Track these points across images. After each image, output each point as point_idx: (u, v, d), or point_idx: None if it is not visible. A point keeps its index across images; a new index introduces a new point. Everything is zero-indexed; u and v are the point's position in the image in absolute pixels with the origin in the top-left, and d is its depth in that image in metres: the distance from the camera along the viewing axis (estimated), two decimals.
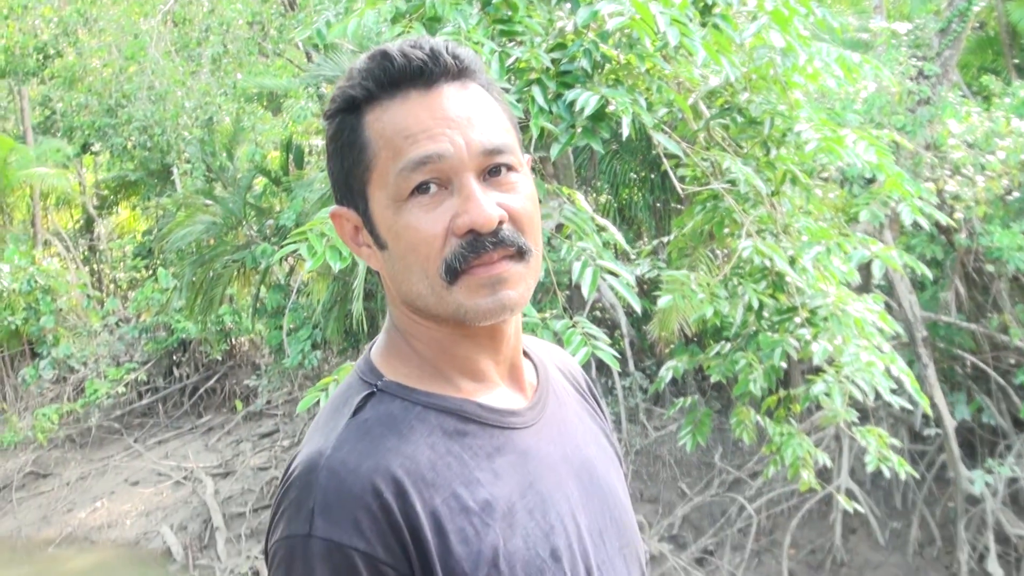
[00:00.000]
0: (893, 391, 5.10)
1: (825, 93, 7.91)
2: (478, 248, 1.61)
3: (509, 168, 1.67)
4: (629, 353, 11.38)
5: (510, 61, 4.29)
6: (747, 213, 4.99)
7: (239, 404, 16.59)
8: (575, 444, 1.83)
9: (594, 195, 13.54)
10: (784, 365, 5.33)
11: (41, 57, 17.89)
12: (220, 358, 17.10)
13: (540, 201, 4.20)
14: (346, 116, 1.70)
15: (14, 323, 17.27)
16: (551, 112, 4.19)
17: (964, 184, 8.77)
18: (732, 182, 4.88)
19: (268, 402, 16.23)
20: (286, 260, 13.56)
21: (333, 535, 1.51)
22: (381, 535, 1.52)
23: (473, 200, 1.60)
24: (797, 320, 5.12)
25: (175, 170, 17.60)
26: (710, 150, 5.13)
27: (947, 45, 10.14)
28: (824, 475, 9.74)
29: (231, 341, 16.89)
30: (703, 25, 4.43)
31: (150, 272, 18.48)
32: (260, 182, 16.00)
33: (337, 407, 1.71)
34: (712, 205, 5.16)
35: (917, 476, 9.66)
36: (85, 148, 20.11)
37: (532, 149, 4.52)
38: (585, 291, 4.20)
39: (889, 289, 8.91)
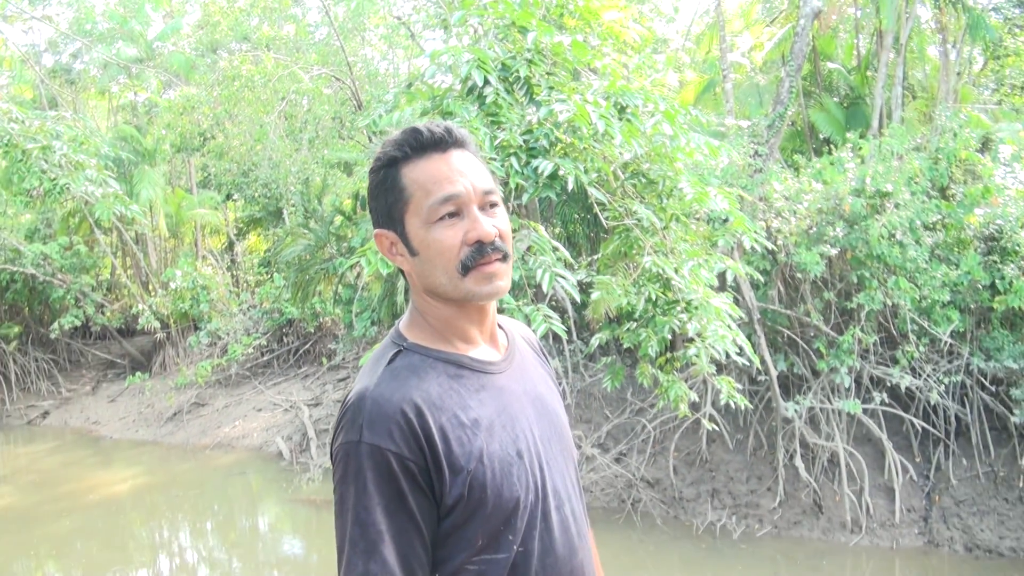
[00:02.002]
0: (738, 353, 5.11)
1: (697, 165, 7.91)
2: (482, 253, 1.71)
3: (495, 204, 1.78)
4: (574, 328, 11.31)
5: (497, 141, 4.28)
6: (648, 240, 4.98)
7: (324, 360, 16.53)
8: (532, 384, 1.89)
9: (551, 228, 13.54)
10: (670, 337, 5.31)
11: (201, 139, 17.86)
12: (312, 331, 17.04)
13: (515, 231, 4.15)
14: (388, 169, 1.76)
15: (184, 307, 17.26)
16: (523, 174, 4.17)
17: (783, 223, 8.84)
18: (638, 220, 4.86)
19: (343, 359, 16.17)
20: (354, 268, 13.54)
21: (375, 440, 1.60)
22: (406, 441, 1.61)
23: (479, 222, 1.71)
24: (679, 308, 5.12)
25: (285, 211, 17.55)
26: (625, 199, 5.12)
27: (772, 135, 10.18)
28: (696, 406, 9.77)
29: (320, 320, 16.80)
30: (620, 119, 4.42)
31: (269, 276, 18.41)
32: (339, 219, 16.01)
33: (377, 359, 1.78)
34: (626, 235, 5.15)
35: (752, 406, 9.77)
36: (228, 197, 20.11)
37: (511, 198, 4.52)
38: (544, 288, 4.22)
39: (737, 288, 8.92)
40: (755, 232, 5.22)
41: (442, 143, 1.75)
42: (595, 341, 6.15)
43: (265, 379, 16.83)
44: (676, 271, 4.90)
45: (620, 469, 10.36)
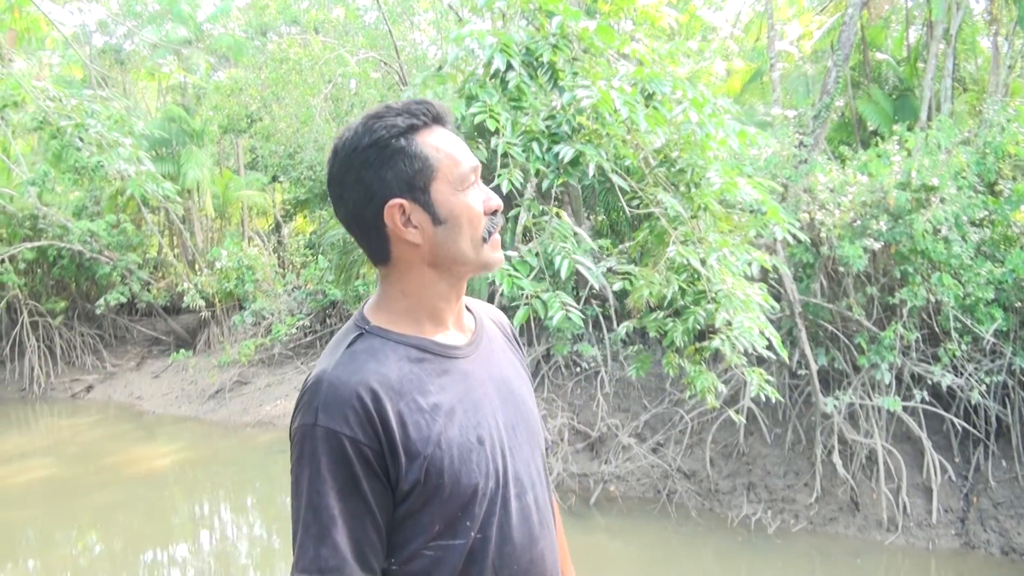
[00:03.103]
0: (766, 347, 5.03)
1: (740, 154, 7.80)
2: (496, 221, 1.77)
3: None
4: (614, 317, 11.24)
5: (520, 127, 4.23)
6: (675, 229, 4.90)
7: None
8: (499, 369, 1.88)
9: (594, 216, 13.48)
10: (700, 327, 5.23)
11: (249, 121, 17.95)
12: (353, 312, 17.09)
13: (538, 216, 4.07)
14: (409, 136, 1.71)
15: (229, 287, 17.39)
16: (544, 159, 4.11)
17: (827, 215, 8.68)
18: (664, 208, 4.78)
19: None
20: None
21: (330, 424, 1.59)
22: (362, 425, 1.59)
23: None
24: (706, 299, 5.04)
25: None
26: (656, 188, 5.04)
27: (818, 126, 10.00)
28: (735, 398, 9.67)
29: (361, 302, 16.81)
30: (647, 106, 4.34)
31: (314, 257, 18.47)
32: None
33: (338, 342, 1.76)
34: (653, 223, 5.08)
35: (791, 401, 9.68)
36: (274, 179, 20.19)
37: (541, 185, 4.48)
38: (562, 274, 4.16)
39: (779, 281, 8.79)
40: (789, 223, 5.10)
41: (446, 117, 1.77)
42: (621, 330, 6.09)
43: (307, 359, 16.88)
44: (703, 261, 4.81)
45: (656, 459, 10.29)
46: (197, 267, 18.90)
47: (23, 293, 17.78)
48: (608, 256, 6.17)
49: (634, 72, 4.37)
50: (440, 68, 5.01)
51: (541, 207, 4.56)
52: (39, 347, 18.14)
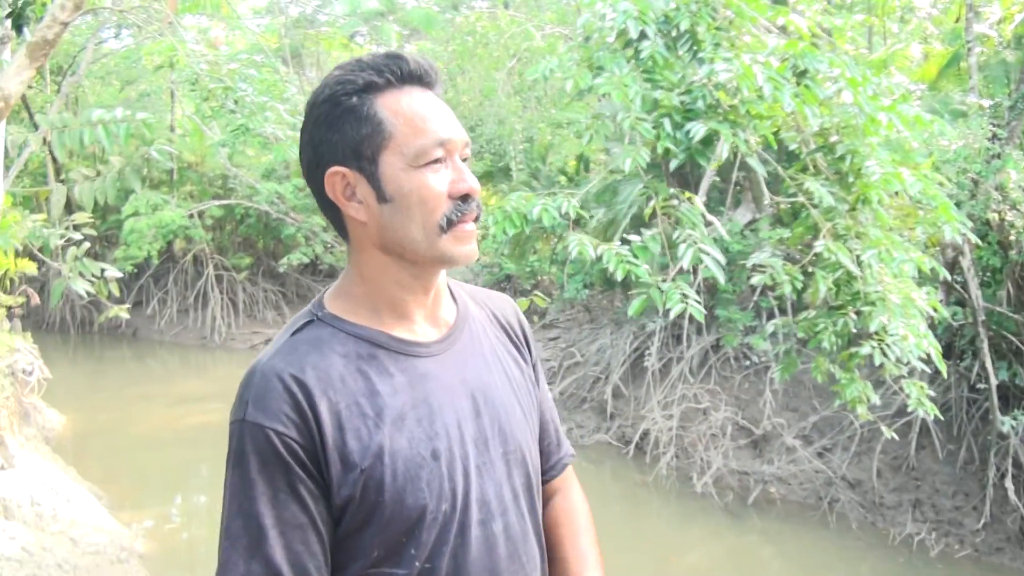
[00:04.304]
0: (922, 359, 4.52)
1: (928, 142, 7.20)
2: (467, 208, 1.48)
3: (467, 159, 1.53)
4: (789, 311, 10.67)
5: (654, 103, 3.89)
6: (828, 222, 4.45)
7: (536, 319, 16.47)
8: (477, 371, 1.59)
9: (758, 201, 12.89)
10: (853, 331, 4.77)
11: None
12: (529, 288, 16.97)
13: (668, 200, 3.71)
14: (363, 95, 1.47)
15: None
16: (674, 137, 3.75)
17: (1018, 216, 7.90)
18: (811, 198, 4.34)
19: (556, 319, 16.04)
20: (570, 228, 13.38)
21: (258, 419, 1.39)
22: (293, 421, 1.39)
23: (468, 173, 1.49)
24: (861, 300, 4.57)
25: (513, 168, 17.59)
26: (808, 175, 4.60)
27: (1014, 117, 9.10)
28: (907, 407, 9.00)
29: (537, 278, 16.74)
30: (798, 84, 3.91)
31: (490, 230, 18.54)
32: (561, 179, 15.87)
33: (287, 328, 1.56)
34: (805, 214, 4.64)
35: (962, 415, 8.93)
36: None
37: (669, 165, 4.12)
38: (685, 264, 3.80)
39: (965, 285, 8.11)
40: (960, 222, 4.56)
41: (426, 77, 1.51)
42: (769, 328, 5.66)
43: None
44: (858, 259, 4.34)
45: (821, 464, 9.70)
46: None
47: (210, 248, 18.54)
48: (762, 247, 5.73)
49: (785, 46, 3.94)
50: (588, 38, 4.69)
51: (671, 191, 4.19)
52: (222, 299, 18.83)
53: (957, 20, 13.37)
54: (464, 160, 1.51)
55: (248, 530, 1.38)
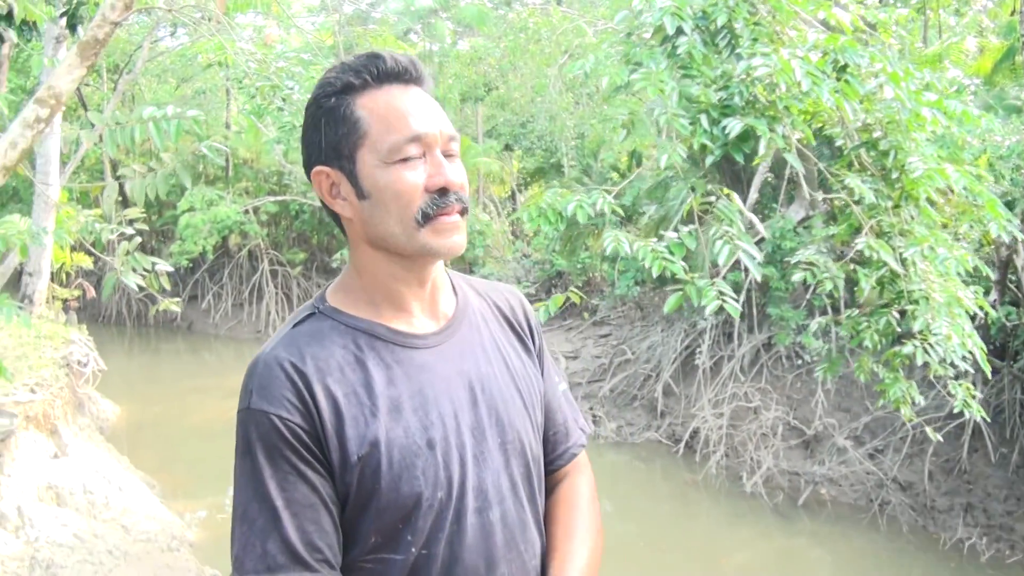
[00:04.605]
0: (965, 359, 4.41)
1: (982, 138, 7.06)
2: (446, 201, 1.51)
3: (453, 155, 1.56)
4: (843, 308, 10.50)
5: (691, 99, 3.86)
6: (872, 219, 4.38)
7: (586, 315, 16.41)
8: (475, 362, 1.63)
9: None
10: (897, 330, 4.68)
11: (486, 89, 18.13)
12: (580, 284, 16.93)
13: (707, 196, 3.68)
14: (341, 97, 1.53)
15: None
16: (711, 134, 3.72)
17: None
18: (852, 194, 4.27)
19: (607, 315, 15.99)
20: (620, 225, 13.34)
21: (262, 406, 1.45)
22: (295, 407, 1.44)
23: (446, 167, 1.51)
24: (905, 299, 4.48)
25: (564, 164, 17.57)
26: (863, 172, 4.53)
27: None
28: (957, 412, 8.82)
29: (588, 275, 16.70)
30: (838, 79, 3.85)
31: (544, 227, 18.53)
32: (613, 176, 15.83)
33: (289, 321, 1.62)
34: (848, 211, 4.57)
35: (1016, 418, 8.71)
36: (507, 147, 20.39)
37: (706, 161, 4.09)
38: (721, 261, 3.75)
39: (1020, 284, 7.96)
40: (1007, 219, 4.45)
41: (405, 75, 1.55)
42: (813, 326, 5.58)
43: None
44: (901, 257, 4.26)
45: (872, 466, 9.57)
46: None
47: (265, 243, 18.78)
48: (808, 244, 5.65)
49: (825, 40, 3.88)
50: (630, 35, 4.66)
51: (708, 186, 4.15)
52: (277, 294, 19.09)
53: (1013, 13, 13.07)
54: (449, 155, 1.54)
55: (262, 513, 1.43)
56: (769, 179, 11.21)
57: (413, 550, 1.49)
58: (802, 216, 10.85)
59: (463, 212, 1.54)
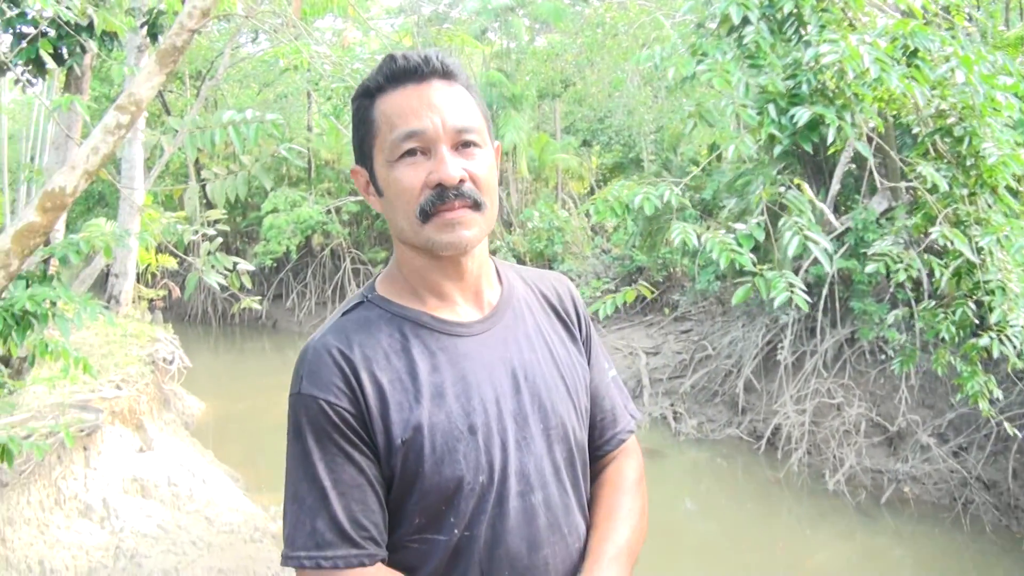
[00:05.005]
0: None
1: None
2: (443, 198, 1.54)
3: (475, 144, 1.58)
4: (927, 300, 10.24)
5: (758, 89, 3.81)
6: (945, 207, 4.28)
7: (667, 311, 16.30)
8: (518, 349, 1.67)
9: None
10: (975, 321, 4.56)
11: (563, 85, 18.11)
12: (660, 280, 16.83)
13: (777, 186, 3.65)
14: (363, 100, 1.62)
15: (539, 247, 17.71)
16: (779, 123, 3.67)
17: None
18: (925, 182, 4.17)
19: (688, 311, 15.87)
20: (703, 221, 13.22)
21: (312, 391, 1.51)
22: (343, 392, 1.50)
23: (443, 162, 1.53)
24: (982, 290, 4.37)
25: (644, 158, 17.45)
26: (939, 160, 4.44)
27: None
28: None
29: (669, 270, 16.59)
30: (909, 65, 3.77)
31: (624, 222, 18.44)
32: (693, 169, 15.70)
33: (340, 309, 1.68)
34: (923, 200, 4.48)
35: None
36: (585, 143, 20.33)
37: (771, 152, 4.03)
38: (790, 252, 3.70)
39: None
40: None
41: (417, 72, 1.58)
42: (890, 319, 5.46)
43: (609, 323, 16.86)
44: (977, 247, 4.15)
45: (955, 464, 9.32)
46: (512, 227, 19.38)
47: (347, 242, 19.02)
48: (887, 235, 5.54)
49: (894, 25, 3.80)
50: (701, 25, 4.63)
51: (778, 176, 4.10)
52: None
53: None
54: (468, 146, 1.57)
55: (311, 493, 1.50)
56: (852, 170, 10.98)
57: (456, 531, 1.54)
58: (885, 207, 10.60)
59: (475, 206, 1.56)
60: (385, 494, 1.54)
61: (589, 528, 1.73)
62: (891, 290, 9.95)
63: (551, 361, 1.71)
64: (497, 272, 1.77)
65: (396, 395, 1.53)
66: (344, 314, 1.64)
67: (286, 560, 1.51)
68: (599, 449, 1.82)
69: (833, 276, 10.56)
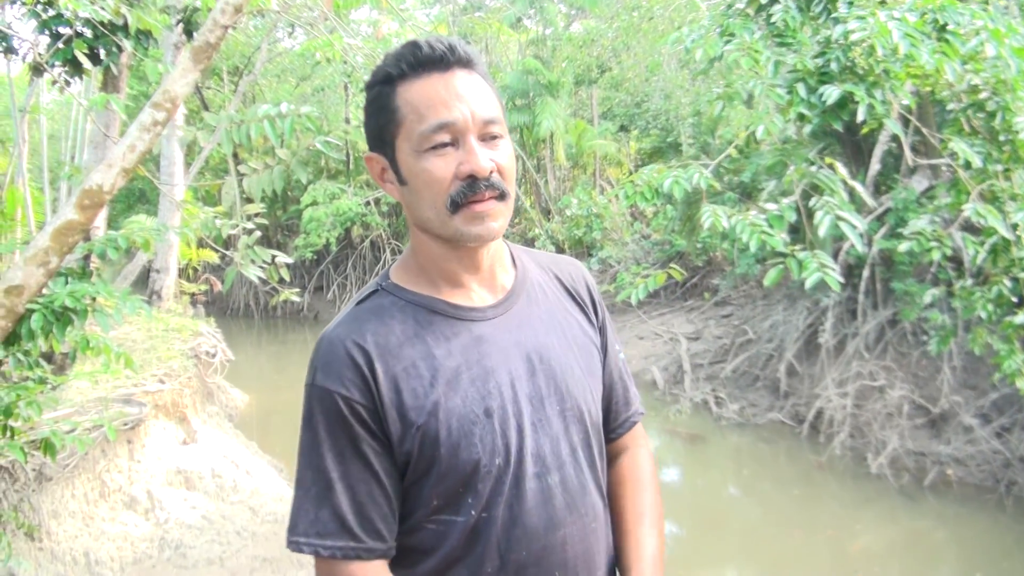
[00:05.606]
0: None
1: None
2: (475, 189, 1.53)
3: (497, 136, 1.57)
4: (970, 280, 10.08)
5: (788, 68, 3.79)
6: (979, 183, 4.23)
7: (707, 295, 16.22)
8: (533, 333, 1.68)
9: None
10: (1013, 298, 4.51)
11: (600, 71, 18.01)
12: (700, 264, 16.74)
13: (808, 166, 3.64)
14: (383, 87, 1.58)
15: (577, 234, 17.66)
16: (808, 102, 3.65)
17: None
18: (958, 159, 4.13)
19: (728, 295, 15.78)
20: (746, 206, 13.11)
21: (325, 383, 1.54)
22: (355, 384, 1.53)
23: (474, 154, 1.52)
24: (1018, 267, 4.32)
25: (682, 142, 17.35)
26: (974, 136, 4.38)
27: None
28: None
29: (709, 255, 16.50)
30: (939, 40, 3.73)
31: (663, 207, 18.34)
32: (732, 152, 15.58)
33: (355, 298, 1.70)
34: (957, 177, 4.43)
35: None
36: (622, 128, 20.21)
37: (803, 131, 4.00)
38: (822, 232, 3.67)
39: None
40: None
41: (443, 61, 1.56)
42: (927, 298, 5.41)
43: (650, 309, 16.81)
44: (1013, 223, 4.10)
45: (999, 445, 9.21)
46: (550, 215, 19.36)
47: (386, 233, 19.11)
48: (924, 214, 5.48)
49: (923, 0, 3.76)
50: (730, 6, 4.60)
51: (809, 156, 4.07)
52: None
53: None
54: (493, 138, 1.57)
55: (317, 482, 1.54)
56: (891, 149, 10.84)
57: (474, 512, 1.56)
58: (925, 186, 10.48)
59: (501, 197, 1.56)
60: (398, 483, 1.57)
61: (616, 526, 1.76)
62: (932, 270, 9.83)
63: (566, 343, 1.72)
64: (511, 256, 1.77)
65: (410, 382, 1.54)
66: (359, 303, 1.66)
67: (288, 543, 1.56)
68: (612, 432, 1.85)
69: (874, 257, 10.45)
